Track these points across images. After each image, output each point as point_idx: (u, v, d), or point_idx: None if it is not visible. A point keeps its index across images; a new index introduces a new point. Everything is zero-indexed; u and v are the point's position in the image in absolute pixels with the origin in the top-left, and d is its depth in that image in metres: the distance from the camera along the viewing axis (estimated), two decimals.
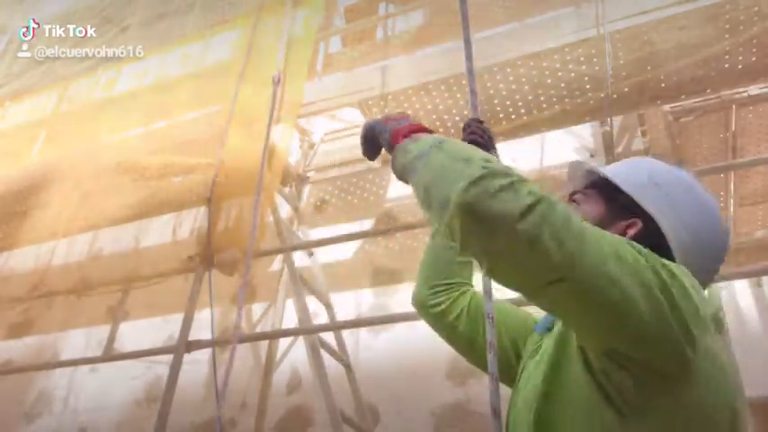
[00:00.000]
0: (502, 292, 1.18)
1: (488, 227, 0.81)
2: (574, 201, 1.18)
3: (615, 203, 1.11)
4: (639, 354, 0.86)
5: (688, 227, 1.06)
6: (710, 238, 1.09)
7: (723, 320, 1.02)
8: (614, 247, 0.86)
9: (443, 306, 1.38)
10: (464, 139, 1.24)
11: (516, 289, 0.90)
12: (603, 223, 1.05)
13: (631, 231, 1.07)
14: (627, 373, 0.87)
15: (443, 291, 1.38)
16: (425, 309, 1.40)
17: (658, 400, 0.87)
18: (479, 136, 1.25)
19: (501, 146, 4.35)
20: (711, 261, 1.10)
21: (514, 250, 0.81)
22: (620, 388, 0.88)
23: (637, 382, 0.87)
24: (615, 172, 1.15)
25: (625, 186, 1.10)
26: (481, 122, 1.31)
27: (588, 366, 0.92)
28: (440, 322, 1.40)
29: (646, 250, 0.90)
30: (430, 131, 1.06)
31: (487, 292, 1.27)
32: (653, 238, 1.03)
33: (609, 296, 0.82)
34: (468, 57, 1.61)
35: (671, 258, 1.00)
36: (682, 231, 1.05)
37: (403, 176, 1.02)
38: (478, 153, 0.90)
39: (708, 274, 1.09)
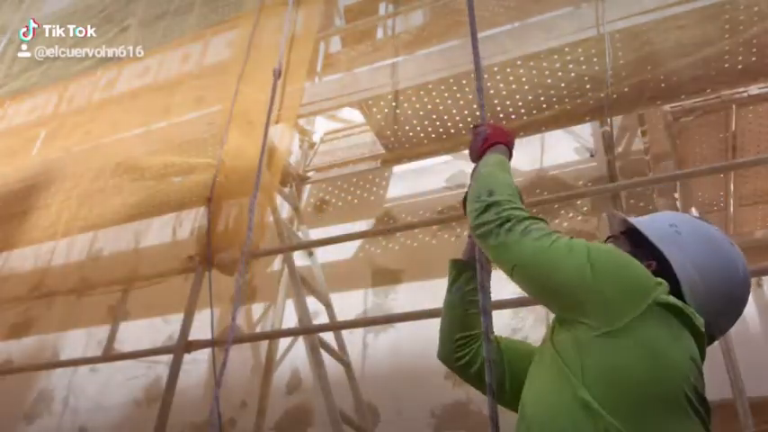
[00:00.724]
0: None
1: (484, 249, 1.27)
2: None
3: (639, 248, 1.24)
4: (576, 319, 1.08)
5: (701, 272, 1.17)
6: (724, 286, 1.18)
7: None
8: (549, 245, 1.15)
9: (467, 358, 1.49)
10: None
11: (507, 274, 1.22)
12: None
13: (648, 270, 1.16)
14: (569, 335, 1.09)
15: (464, 343, 1.50)
16: (450, 363, 1.53)
17: (588, 359, 1.04)
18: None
19: None
20: (725, 307, 1.19)
21: (493, 256, 1.23)
22: (564, 347, 1.09)
23: (574, 341, 1.07)
24: (643, 220, 1.31)
25: (646, 230, 1.25)
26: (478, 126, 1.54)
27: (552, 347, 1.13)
28: (465, 373, 1.50)
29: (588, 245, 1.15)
30: (501, 141, 1.45)
31: (486, 311, 1.48)
32: (667, 280, 1.13)
33: (549, 282, 1.13)
34: (476, 55, 1.93)
35: (683, 298, 1.13)
36: (693, 275, 1.17)
37: None
38: (486, 188, 1.28)
39: (723, 318, 1.20)
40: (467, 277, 1.54)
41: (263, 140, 2.94)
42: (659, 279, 1.11)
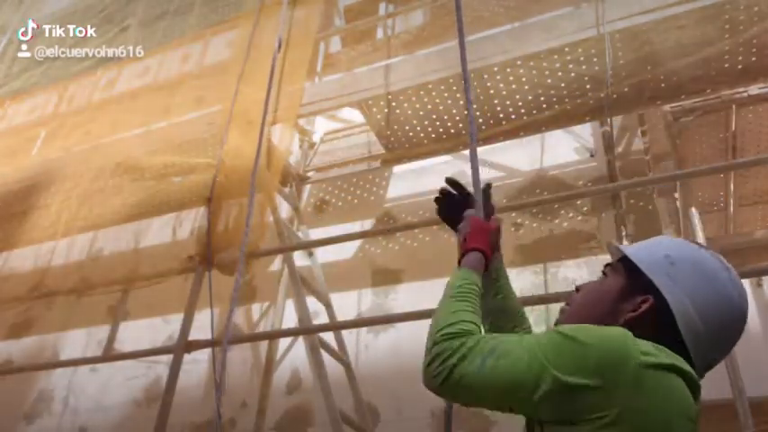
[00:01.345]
0: None
1: (429, 385, 1.22)
2: (604, 273, 1.30)
3: (635, 279, 1.20)
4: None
5: (695, 304, 1.13)
6: (720, 318, 1.15)
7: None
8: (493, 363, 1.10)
9: None
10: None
11: None
12: (622, 295, 1.20)
13: (644, 306, 1.16)
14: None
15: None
16: None
17: None
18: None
19: (501, 146, 4.32)
20: (721, 338, 1.16)
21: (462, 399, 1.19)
22: None
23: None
24: (638, 249, 1.26)
25: (641, 264, 1.20)
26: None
27: None
28: None
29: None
30: (477, 248, 1.42)
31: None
32: (664, 315, 1.13)
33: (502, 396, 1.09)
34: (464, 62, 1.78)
35: (678, 333, 1.11)
36: (688, 308, 1.13)
37: None
38: (435, 329, 1.25)
39: (720, 353, 1.18)
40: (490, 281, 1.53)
41: (261, 131, 2.90)
42: (642, 346, 1.04)
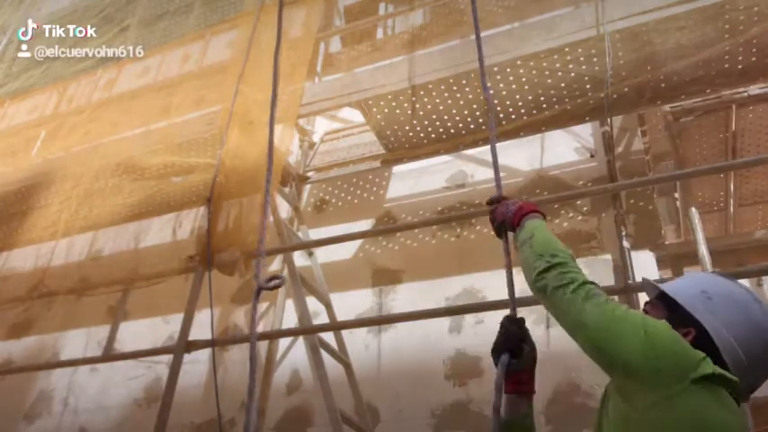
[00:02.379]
0: None
1: (543, 298, 1.41)
2: (645, 310, 1.43)
3: (675, 313, 1.34)
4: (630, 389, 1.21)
5: (735, 336, 1.26)
6: (758, 347, 1.26)
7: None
8: (609, 313, 1.27)
9: None
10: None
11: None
12: None
13: (688, 338, 1.27)
14: (627, 405, 1.21)
15: None
16: None
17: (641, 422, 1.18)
18: (509, 340, 1.59)
19: (501, 146, 4.33)
20: (761, 365, 1.27)
21: (555, 313, 1.38)
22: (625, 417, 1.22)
23: (631, 407, 1.20)
24: (675, 286, 1.41)
25: (680, 299, 1.34)
26: (517, 322, 1.63)
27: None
28: None
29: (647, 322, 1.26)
30: (535, 210, 1.64)
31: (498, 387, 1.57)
32: (706, 346, 1.24)
33: (607, 348, 1.25)
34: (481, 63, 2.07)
35: (724, 363, 1.23)
36: (729, 340, 1.25)
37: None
38: (550, 249, 1.45)
39: (760, 377, 1.28)
40: None
41: (270, 127, 2.87)
42: (703, 354, 1.19)
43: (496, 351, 1.58)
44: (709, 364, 1.17)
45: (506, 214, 1.69)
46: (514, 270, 1.73)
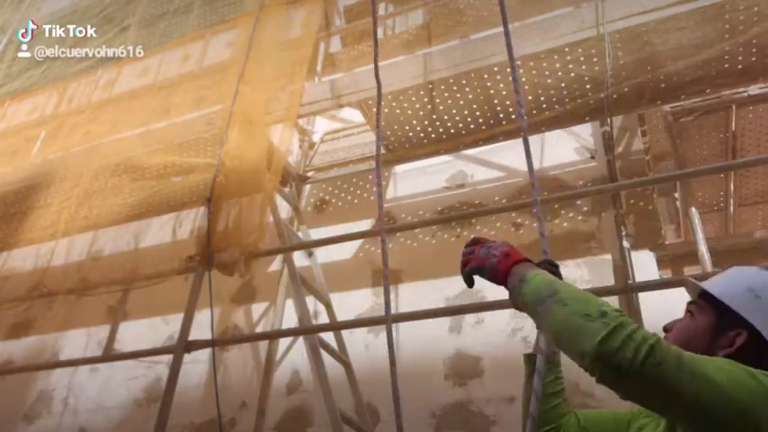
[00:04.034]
0: None
1: (619, 376, 1.03)
2: (689, 311, 1.33)
3: (724, 315, 1.24)
4: None
5: None
6: None
7: None
8: (725, 374, 1.03)
9: None
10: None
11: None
12: (714, 332, 1.24)
13: (739, 340, 1.20)
14: None
15: None
16: None
17: None
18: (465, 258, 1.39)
19: (501, 146, 4.30)
20: None
21: (643, 391, 1.03)
22: None
23: None
24: (720, 285, 1.29)
25: (729, 301, 1.24)
26: (555, 265, 1.39)
27: None
28: None
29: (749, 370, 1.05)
30: (523, 260, 1.30)
31: (537, 393, 1.40)
32: (760, 348, 1.17)
33: (734, 424, 1.00)
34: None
35: None
36: None
37: (521, 310, 1.28)
38: (593, 306, 1.10)
39: None
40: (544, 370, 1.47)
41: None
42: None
43: (467, 275, 1.40)
44: None
45: (487, 260, 1.35)
46: None
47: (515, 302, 1.29)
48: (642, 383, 1.02)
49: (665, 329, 1.34)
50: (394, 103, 3.76)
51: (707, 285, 1.31)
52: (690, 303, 1.35)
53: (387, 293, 2.05)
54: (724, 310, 1.24)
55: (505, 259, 1.32)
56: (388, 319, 2.13)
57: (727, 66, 3.21)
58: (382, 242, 2.14)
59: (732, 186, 4.01)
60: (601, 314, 1.08)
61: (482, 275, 1.37)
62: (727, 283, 1.29)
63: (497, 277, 1.33)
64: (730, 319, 1.22)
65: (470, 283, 1.42)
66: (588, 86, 3.47)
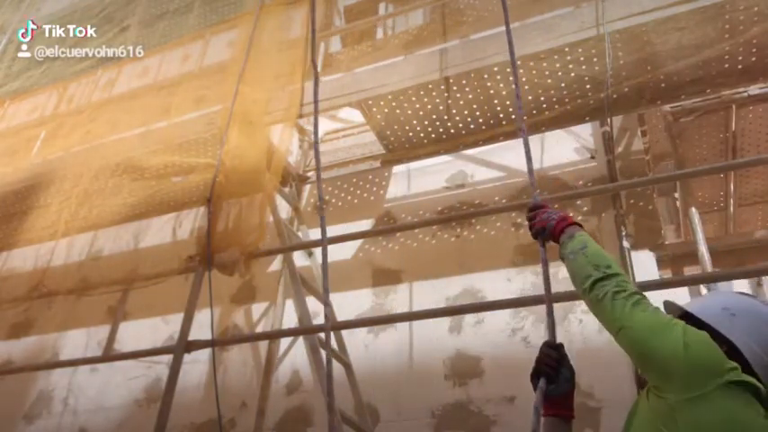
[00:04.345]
0: None
1: (591, 305, 1.54)
2: None
3: (705, 331, 1.40)
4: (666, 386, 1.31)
5: (760, 344, 1.36)
6: None
7: None
8: (654, 318, 1.40)
9: None
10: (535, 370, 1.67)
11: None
12: None
13: None
14: (661, 401, 1.31)
15: None
16: None
17: (681, 418, 1.26)
18: (547, 365, 1.61)
19: (501, 146, 4.30)
20: None
21: (599, 315, 1.51)
22: (659, 411, 1.31)
23: (664, 403, 1.29)
24: (701, 305, 1.51)
25: (706, 318, 1.44)
26: (555, 348, 1.65)
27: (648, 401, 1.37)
28: None
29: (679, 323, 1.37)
30: (576, 224, 1.72)
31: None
32: (737, 361, 1.31)
33: (647, 347, 1.35)
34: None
35: (755, 374, 1.32)
36: (759, 353, 1.35)
37: (562, 259, 1.69)
38: (603, 261, 1.55)
39: None
40: None
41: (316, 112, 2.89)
42: (734, 364, 1.28)
43: (535, 375, 1.61)
44: (741, 373, 1.26)
45: (548, 222, 1.76)
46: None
47: (561, 254, 1.69)
48: (597, 314, 1.49)
49: None
50: (394, 103, 3.76)
51: (688, 307, 1.51)
52: None
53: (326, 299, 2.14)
54: (702, 328, 1.39)
55: (561, 221, 1.73)
56: (327, 328, 2.48)
57: (727, 66, 3.21)
58: (324, 256, 2.24)
59: (732, 186, 4.01)
60: (606, 266, 1.52)
61: (543, 234, 1.78)
62: (704, 305, 1.50)
63: (554, 234, 1.73)
64: (710, 336, 1.37)
65: (538, 239, 1.84)
66: (588, 86, 3.47)
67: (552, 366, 1.59)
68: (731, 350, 1.35)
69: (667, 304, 1.62)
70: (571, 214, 3.88)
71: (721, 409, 1.22)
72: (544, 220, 1.78)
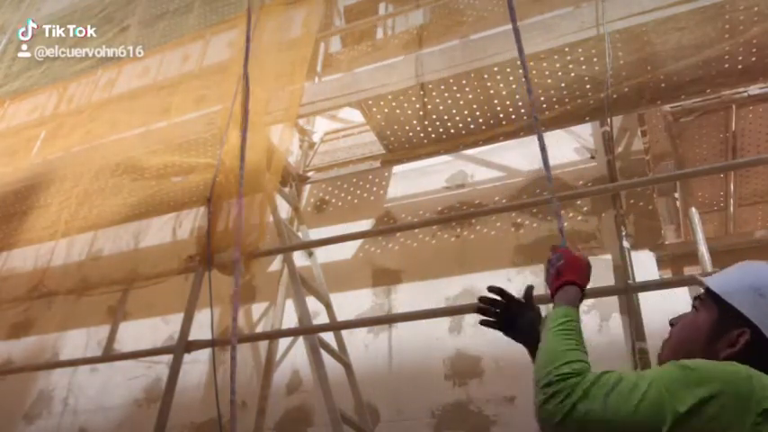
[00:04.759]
0: None
1: (546, 422, 1.13)
2: (694, 306, 1.30)
3: (727, 312, 1.21)
4: None
5: None
6: None
7: None
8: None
9: None
10: None
11: None
12: (717, 329, 1.20)
13: (742, 340, 1.16)
14: None
15: None
16: None
17: None
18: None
19: (501, 146, 4.31)
20: None
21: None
22: None
23: None
24: (724, 280, 1.27)
25: (731, 299, 1.21)
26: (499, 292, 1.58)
27: None
28: None
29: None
30: (574, 282, 1.45)
31: None
32: (763, 348, 1.14)
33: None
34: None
35: None
36: None
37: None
38: (545, 369, 1.18)
39: None
40: None
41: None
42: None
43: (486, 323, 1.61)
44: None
45: (546, 275, 1.52)
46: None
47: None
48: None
49: (671, 324, 1.32)
50: (394, 104, 3.76)
51: (709, 281, 1.28)
52: (695, 298, 1.32)
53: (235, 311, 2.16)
54: (727, 308, 1.21)
55: (556, 279, 1.47)
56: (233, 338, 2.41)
57: (727, 66, 3.21)
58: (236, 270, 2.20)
59: (732, 186, 4.01)
60: (546, 384, 1.15)
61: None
62: (733, 281, 1.25)
63: (551, 293, 1.46)
64: (733, 317, 1.19)
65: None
66: (588, 86, 3.47)
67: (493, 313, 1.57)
68: (756, 336, 1.15)
69: (693, 278, 1.43)
70: (570, 215, 3.90)
71: None
72: (546, 270, 1.53)
